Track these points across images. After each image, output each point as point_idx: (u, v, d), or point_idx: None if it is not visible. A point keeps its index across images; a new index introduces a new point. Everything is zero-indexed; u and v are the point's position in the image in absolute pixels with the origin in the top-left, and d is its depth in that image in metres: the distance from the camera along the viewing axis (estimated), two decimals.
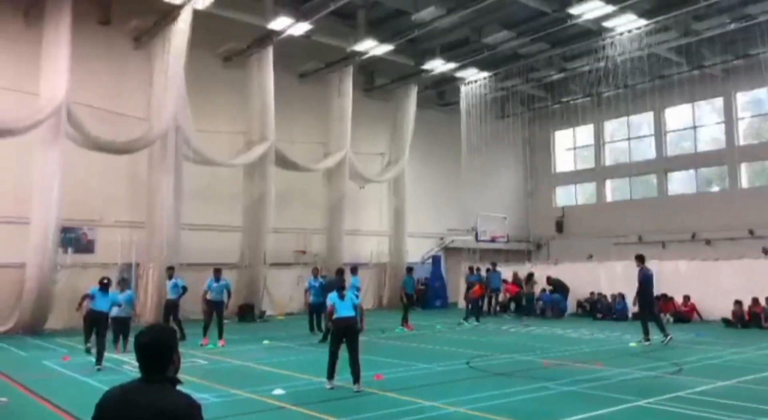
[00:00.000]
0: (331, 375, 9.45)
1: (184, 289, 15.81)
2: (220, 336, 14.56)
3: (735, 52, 24.55)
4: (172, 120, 20.00)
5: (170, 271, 16.30)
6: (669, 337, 14.16)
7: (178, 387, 2.79)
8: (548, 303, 22.92)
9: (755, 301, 18.27)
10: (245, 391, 9.14)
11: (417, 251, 28.09)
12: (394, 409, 7.93)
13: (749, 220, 24.67)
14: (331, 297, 9.69)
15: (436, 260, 28.39)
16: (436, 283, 27.68)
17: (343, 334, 9.39)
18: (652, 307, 15.05)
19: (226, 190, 22.59)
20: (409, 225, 27.35)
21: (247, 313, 21.23)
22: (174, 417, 2.63)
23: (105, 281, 12.14)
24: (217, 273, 15.00)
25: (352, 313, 9.49)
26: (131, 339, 13.17)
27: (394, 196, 27.36)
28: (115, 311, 12.94)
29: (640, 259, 14.98)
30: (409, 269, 20.01)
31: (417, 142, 27.59)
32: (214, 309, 14.73)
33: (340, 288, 9.86)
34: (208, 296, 14.79)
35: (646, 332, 14.38)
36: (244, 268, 22.35)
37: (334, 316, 9.48)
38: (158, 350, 2.79)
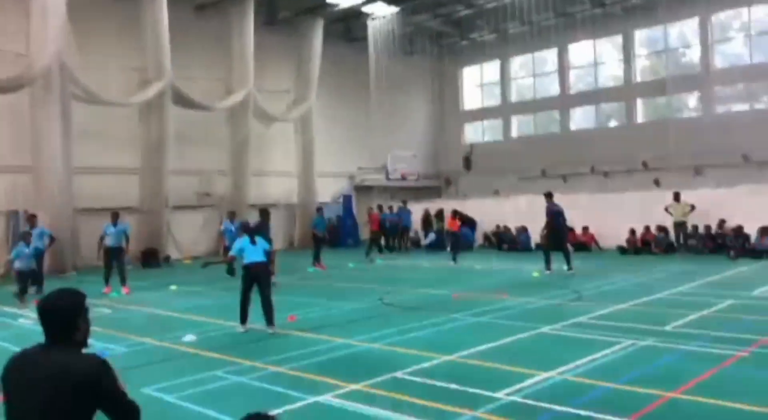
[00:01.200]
0: (243, 319, 9.43)
1: (51, 238, 15.56)
2: (123, 283, 14.11)
3: None
4: (54, 55, 18.51)
5: (32, 219, 15.43)
6: (572, 271, 15.04)
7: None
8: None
9: (647, 229, 19.71)
10: (154, 340, 8.97)
11: (327, 191, 28.06)
12: (310, 349, 8.05)
13: (643, 153, 26.23)
14: (241, 242, 9.57)
15: (347, 199, 28.51)
16: (347, 221, 27.91)
17: (255, 279, 9.34)
18: (563, 240, 15.85)
19: (122, 131, 21.42)
20: (318, 164, 27.13)
21: (151, 258, 20.64)
22: (81, 375, 2.56)
23: None
24: (115, 217, 14.40)
25: (263, 258, 9.44)
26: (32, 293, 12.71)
27: (302, 135, 26.94)
28: (17, 265, 12.98)
29: (549, 195, 15.71)
30: (319, 209, 20.00)
31: (324, 79, 27.06)
32: (113, 256, 14.20)
33: (253, 233, 9.75)
34: (107, 242, 14.21)
35: (548, 262, 15.24)
36: (145, 212, 21.55)
37: (245, 261, 9.40)
38: (61, 317, 2.68)
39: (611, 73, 29.74)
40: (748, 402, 5.43)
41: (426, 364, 7.04)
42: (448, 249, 19.79)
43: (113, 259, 14.22)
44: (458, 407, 5.54)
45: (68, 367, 2.57)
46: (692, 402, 5.55)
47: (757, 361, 6.84)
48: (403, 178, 28.16)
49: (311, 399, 5.94)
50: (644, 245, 19.59)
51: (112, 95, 20.37)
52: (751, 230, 17.60)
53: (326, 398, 5.95)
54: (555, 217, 15.41)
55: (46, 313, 2.68)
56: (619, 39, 28.82)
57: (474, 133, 34.70)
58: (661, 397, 5.66)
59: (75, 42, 19.16)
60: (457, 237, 19.85)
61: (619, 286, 12.91)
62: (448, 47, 32.09)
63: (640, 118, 28.61)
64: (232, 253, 9.70)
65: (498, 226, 23.76)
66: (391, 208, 24.46)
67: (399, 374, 6.67)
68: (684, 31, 27.56)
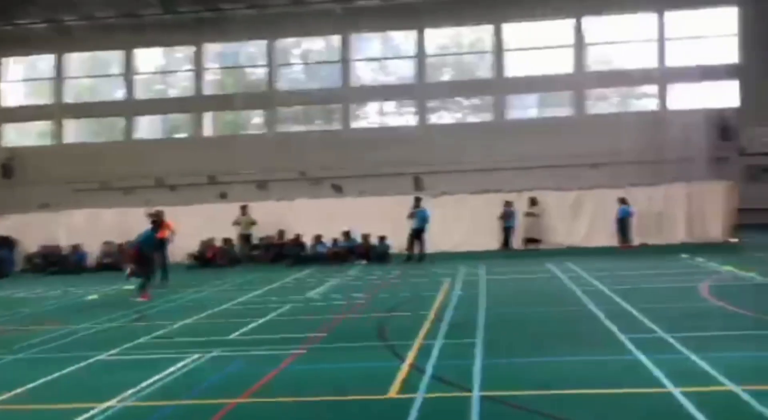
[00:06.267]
0: None
1: None
2: None
3: (206, 4, 26.39)
4: None
5: None
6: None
7: None
8: None
9: (203, 243, 20.36)
10: None
11: None
12: None
13: (211, 166, 27.23)
14: None
15: None
16: None
17: None
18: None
19: None
20: None
21: None
22: None
23: None
24: None
25: None
26: None
27: None
28: None
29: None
30: None
31: None
32: None
33: None
34: None
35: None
36: None
37: None
38: None
39: (181, 83, 30.13)
40: (308, 395, 6.01)
41: None
42: None
43: None
44: None
45: None
46: (258, 403, 5.89)
47: (310, 356, 7.63)
48: None
49: None
50: (212, 258, 20.16)
51: None
52: (308, 239, 19.84)
53: None
54: None
55: None
56: (191, 50, 29.41)
57: (17, 135, 30.83)
58: (227, 405, 5.81)
59: None
60: None
61: (183, 302, 12.87)
62: None
63: (208, 131, 29.65)
64: None
65: (45, 246, 21.37)
66: None
67: None
68: (253, 51, 29.71)
